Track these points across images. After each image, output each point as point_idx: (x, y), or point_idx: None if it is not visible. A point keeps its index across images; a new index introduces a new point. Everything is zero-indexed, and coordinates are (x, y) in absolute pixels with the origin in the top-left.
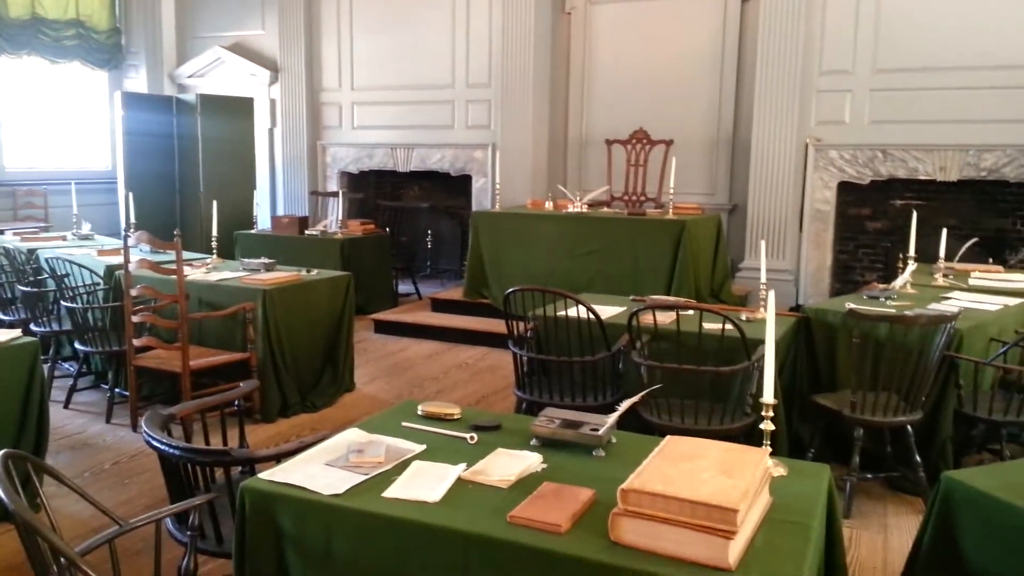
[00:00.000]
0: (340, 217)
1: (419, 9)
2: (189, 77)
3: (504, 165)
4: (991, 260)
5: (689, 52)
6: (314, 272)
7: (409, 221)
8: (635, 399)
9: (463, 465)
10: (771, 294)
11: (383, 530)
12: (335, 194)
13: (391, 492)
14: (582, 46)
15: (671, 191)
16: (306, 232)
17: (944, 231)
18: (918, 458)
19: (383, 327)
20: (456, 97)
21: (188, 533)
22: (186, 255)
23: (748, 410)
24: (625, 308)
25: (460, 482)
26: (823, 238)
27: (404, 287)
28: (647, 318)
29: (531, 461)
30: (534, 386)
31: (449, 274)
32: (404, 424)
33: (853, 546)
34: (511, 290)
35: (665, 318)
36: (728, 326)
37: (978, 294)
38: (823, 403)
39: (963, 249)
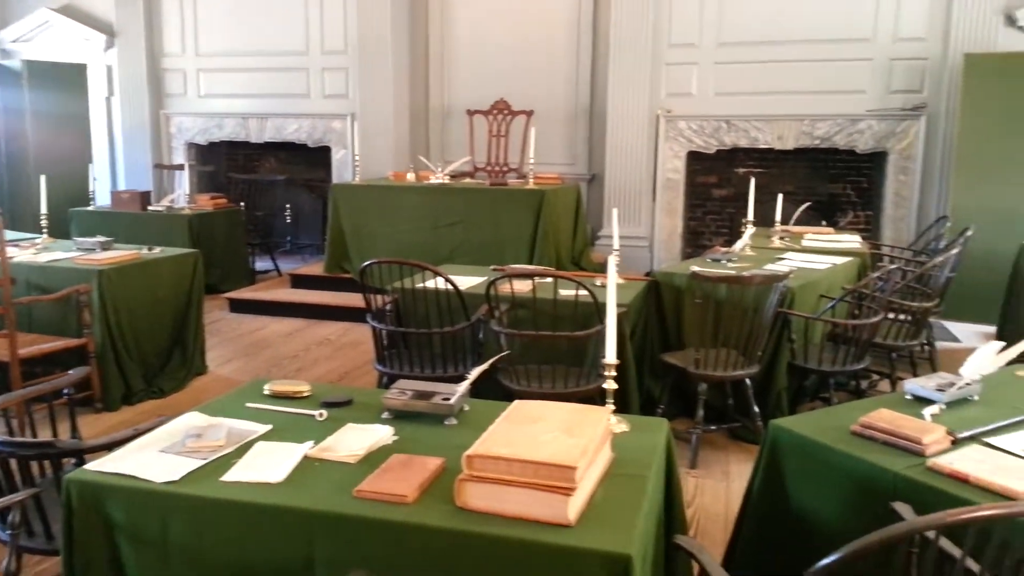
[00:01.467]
0: (187, 191)
1: None
2: (13, 42)
3: (364, 136)
4: (824, 222)
5: (548, 23)
6: (157, 250)
7: (265, 195)
8: (484, 367)
9: (310, 443)
10: (611, 259)
11: (222, 515)
12: (181, 167)
13: (231, 475)
14: (440, 15)
15: (531, 161)
16: (149, 208)
17: (780, 196)
18: (756, 408)
19: (239, 306)
20: (311, 65)
21: (8, 532)
22: (11, 235)
23: (603, 371)
24: (486, 278)
25: (306, 460)
26: (674, 205)
27: (262, 264)
28: (505, 287)
29: (382, 434)
30: (394, 359)
31: (311, 249)
32: (249, 405)
33: (698, 494)
34: (367, 263)
35: (523, 286)
36: (582, 292)
37: (810, 254)
38: (670, 361)
39: (797, 213)
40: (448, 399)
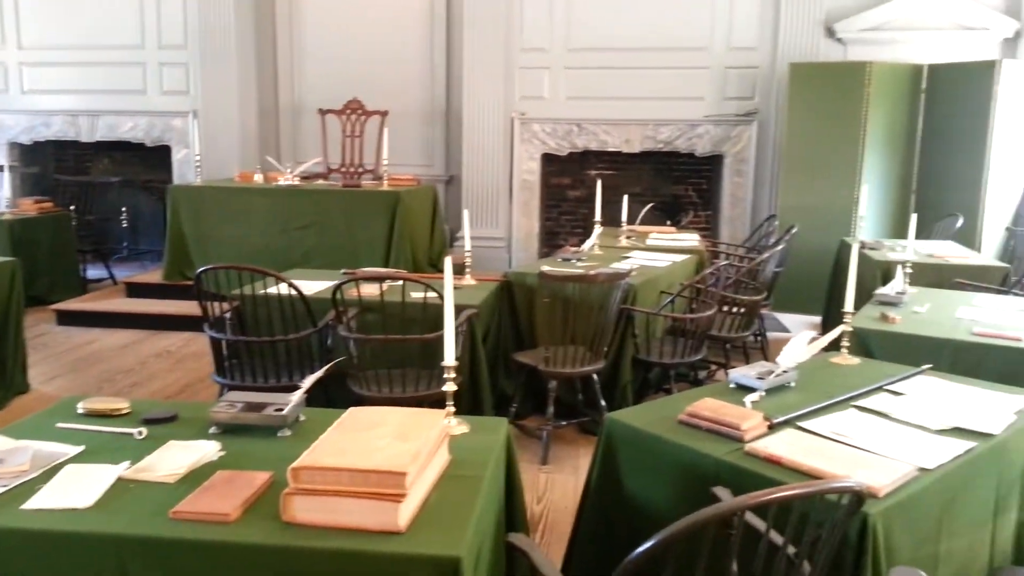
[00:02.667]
0: (8, 195)
1: None
2: None
3: (207, 135)
4: (668, 222)
5: (400, 23)
6: None
7: (99, 198)
8: (319, 374)
9: (126, 463)
10: (447, 260)
11: (23, 546)
12: (0, 168)
13: (34, 503)
14: (289, 9)
15: (386, 162)
16: None
17: (626, 198)
18: (603, 402)
19: (68, 318)
20: (148, 59)
21: None
22: None
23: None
24: (336, 282)
25: (120, 482)
26: (531, 206)
27: (96, 272)
28: (354, 291)
29: (206, 451)
30: (235, 370)
31: (151, 255)
32: (60, 425)
33: (548, 490)
34: (202, 269)
35: (373, 290)
36: (431, 294)
37: (653, 252)
38: (522, 360)
39: (642, 213)
40: (281, 410)
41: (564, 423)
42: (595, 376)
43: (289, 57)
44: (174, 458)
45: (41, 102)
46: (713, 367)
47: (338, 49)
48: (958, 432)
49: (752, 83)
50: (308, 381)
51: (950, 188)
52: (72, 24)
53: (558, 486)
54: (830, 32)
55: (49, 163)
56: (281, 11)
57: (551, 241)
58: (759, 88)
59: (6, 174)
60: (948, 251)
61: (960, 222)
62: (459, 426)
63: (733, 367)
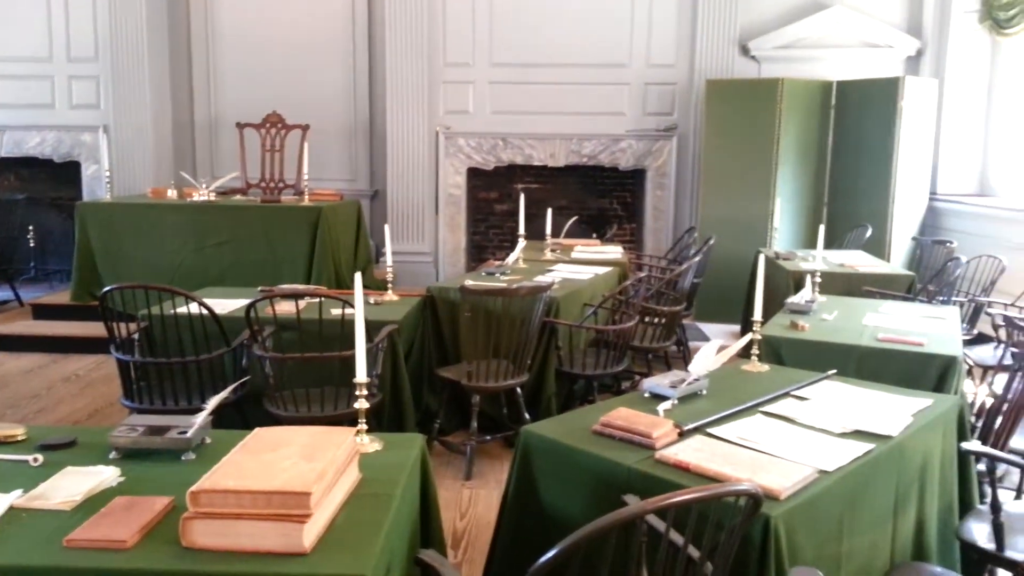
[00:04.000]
0: None
1: None
2: None
3: (119, 150)
4: (594, 235)
5: (321, 36)
6: None
7: (4, 216)
8: (223, 395)
9: (18, 492)
10: (358, 276)
11: None
12: None
13: None
14: (204, 21)
15: (307, 178)
16: None
17: (549, 211)
18: (527, 416)
19: None
20: (56, 72)
21: None
22: None
23: (375, 391)
24: (251, 300)
25: (12, 511)
26: (457, 221)
27: (1, 293)
28: (269, 309)
29: (104, 476)
30: (144, 393)
31: (60, 275)
32: None
33: (472, 505)
34: (107, 289)
35: (290, 307)
36: (349, 310)
37: (577, 265)
38: (445, 375)
39: (567, 226)
40: (185, 432)
41: (488, 438)
42: (519, 389)
43: (205, 69)
44: (71, 485)
45: None
46: (637, 377)
47: (257, 62)
48: (858, 435)
49: (671, 99)
50: (212, 402)
51: (860, 199)
52: None
53: (482, 501)
54: (744, 50)
55: None
56: (197, 22)
57: (478, 255)
58: (678, 104)
59: None
60: (858, 260)
61: (869, 232)
62: (371, 444)
63: None
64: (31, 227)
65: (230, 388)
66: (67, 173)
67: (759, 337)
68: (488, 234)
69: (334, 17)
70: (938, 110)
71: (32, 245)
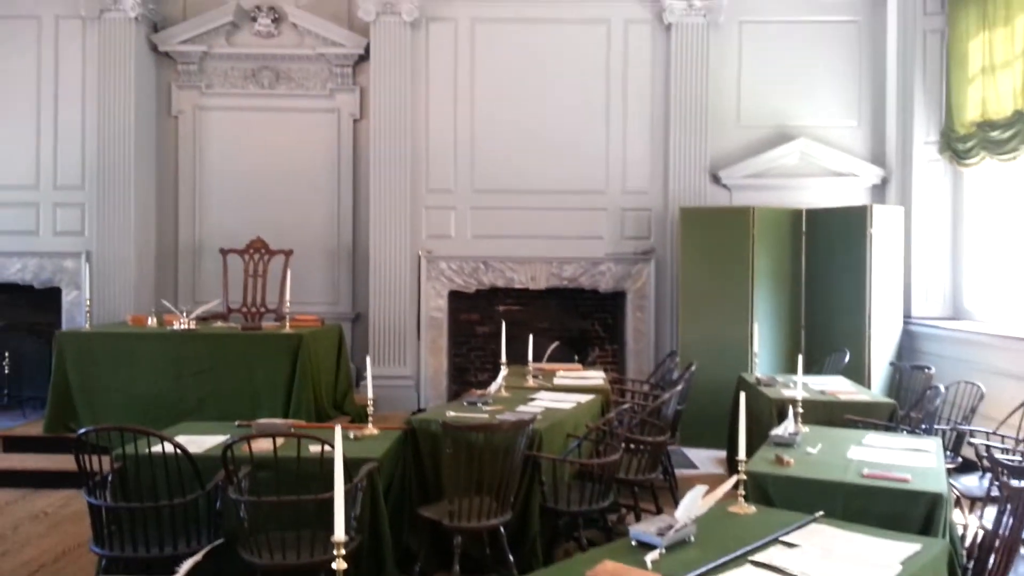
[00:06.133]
0: None
1: None
2: None
3: (101, 276)
4: (576, 357)
5: (305, 163)
6: None
7: None
8: (195, 559)
9: None
10: (338, 429)
11: None
12: None
13: None
14: (192, 151)
15: (288, 306)
16: None
17: (531, 337)
18: (511, 557)
19: None
20: (41, 199)
21: None
22: None
23: (354, 534)
24: (228, 436)
25: None
26: (439, 343)
27: None
28: (246, 446)
29: None
30: (115, 539)
31: (35, 402)
32: None
33: None
34: (82, 431)
35: (267, 444)
36: (327, 448)
37: (559, 392)
38: (426, 515)
39: (549, 351)
40: None
41: None
42: (502, 529)
43: (191, 200)
44: None
45: None
46: (624, 510)
47: (242, 188)
48: None
49: (648, 224)
50: (185, 567)
51: (836, 322)
52: None
53: None
54: (716, 178)
55: None
56: (184, 150)
57: (461, 377)
58: (654, 228)
59: None
60: (838, 386)
61: (847, 357)
62: None
63: (644, 510)
64: (6, 353)
65: (203, 552)
66: (47, 299)
67: (744, 477)
68: (470, 356)
69: (319, 145)
70: (906, 236)
71: (7, 372)
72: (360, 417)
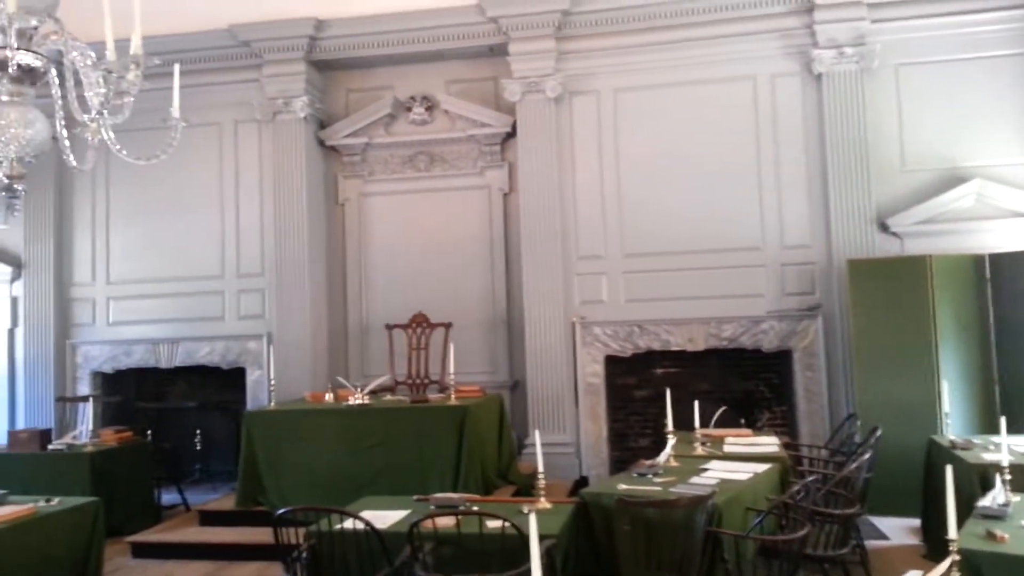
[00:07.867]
0: (90, 426)
1: (183, 200)
2: None
3: (280, 356)
4: (743, 421)
5: (460, 239)
6: (55, 501)
7: (175, 422)
8: None
9: None
10: (532, 518)
11: None
12: (86, 398)
13: None
14: (357, 235)
15: (452, 377)
16: (50, 447)
17: (696, 403)
18: None
19: (143, 550)
20: (226, 287)
21: None
22: None
23: None
24: (409, 511)
25: None
26: (597, 410)
27: (169, 496)
28: (429, 523)
29: None
30: None
31: (223, 476)
32: None
33: None
34: (281, 512)
35: (450, 520)
36: (507, 525)
37: (732, 462)
38: None
39: (716, 416)
40: None
41: None
42: None
43: (358, 280)
44: None
45: (125, 332)
46: None
47: (402, 269)
48: None
49: (811, 279)
50: None
51: None
52: (156, 259)
53: None
54: (884, 227)
55: (130, 390)
56: (351, 240)
57: (622, 444)
58: (819, 283)
59: (89, 405)
60: None
61: None
62: None
63: None
64: (198, 431)
65: None
66: (232, 378)
67: (958, 558)
68: (629, 421)
69: (472, 220)
70: None
71: (199, 448)
72: (525, 486)
